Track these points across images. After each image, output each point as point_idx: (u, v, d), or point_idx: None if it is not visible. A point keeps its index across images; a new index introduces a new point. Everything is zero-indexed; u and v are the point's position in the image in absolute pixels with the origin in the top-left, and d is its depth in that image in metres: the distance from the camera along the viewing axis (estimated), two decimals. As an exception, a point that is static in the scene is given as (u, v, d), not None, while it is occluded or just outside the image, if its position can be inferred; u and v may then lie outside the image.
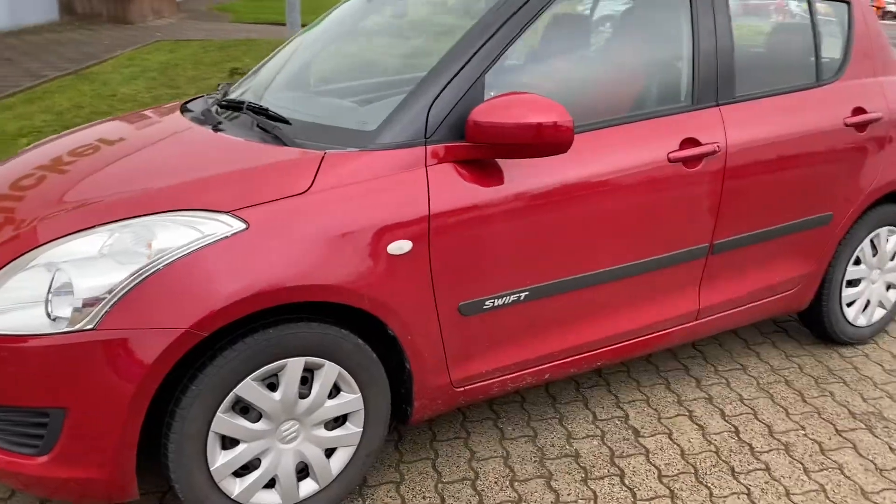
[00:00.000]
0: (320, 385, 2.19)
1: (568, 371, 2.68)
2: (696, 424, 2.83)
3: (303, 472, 2.29)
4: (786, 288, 3.11)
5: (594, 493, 2.45)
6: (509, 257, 2.37)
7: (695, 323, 2.90)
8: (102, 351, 1.90)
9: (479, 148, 2.26)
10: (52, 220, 2.09)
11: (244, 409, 2.12)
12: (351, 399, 2.26)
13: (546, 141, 2.19)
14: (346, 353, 2.19)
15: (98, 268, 1.94)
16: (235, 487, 2.16)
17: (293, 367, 2.12)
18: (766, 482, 2.51)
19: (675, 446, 2.69)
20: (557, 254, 2.46)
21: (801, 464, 2.61)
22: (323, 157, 2.20)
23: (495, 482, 2.50)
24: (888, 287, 3.46)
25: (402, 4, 3.21)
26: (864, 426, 2.84)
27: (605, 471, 2.56)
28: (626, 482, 2.50)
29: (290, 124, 2.41)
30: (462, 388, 2.47)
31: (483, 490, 2.46)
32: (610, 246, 2.56)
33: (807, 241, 3.07)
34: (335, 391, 2.25)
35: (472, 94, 2.31)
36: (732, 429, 2.80)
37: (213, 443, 2.07)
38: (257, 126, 2.44)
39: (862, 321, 3.42)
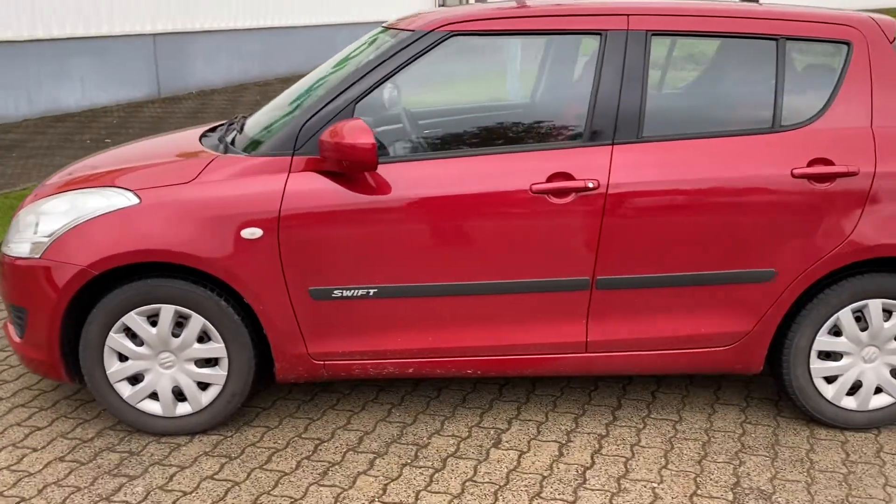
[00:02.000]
0: (187, 330, 2.88)
1: (434, 371, 2.97)
2: (559, 452, 2.88)
3: (183, 395, 3.00)
4: (714, 343, 2.92)
5: (399, 475, 2.75)
6: (355, 257, 2.80)
7: (586, 355, 2.94)
8: (42, 273, 2.86)
9: (325, 161, 2.74)
10: (58, 185, 3.10)
11: (134, 335, 2.91)
12: (216, 347, 2.91)
13: (351, 158, 2.61)
14: (210, 310, 2.86)
15: (55, 218, 2.89)
16: (126, 391, 2.96)
17: (166, 311, 2.86)
18: (553, 512, 2.55)
19: (514, 462, 2.81)
20: (404, 261, 2.80)
21: (611, 509, 2.56)
22: (214, 159, 2.89)
23: (336, 448, 2.93)
24: (894, 371, 2.97)
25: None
26: (730, 499, 2.61)
27: (429, 463, 2.81)
28: (433, 476, 2.74)
29: (240, 134, 3.14)
30: (322, 362, 2.95)
31: (321, 450, 2.91)
32: (460, 262, 2.80)
33: (738, 296, 2.86)
34: (207, 338, 2.92)
35: (342, 118, 2.79)
36: (588, 463, 2.80)
37: (109, 354, 2.90)
38: (208, 132, 3.22)
39: (851, 403, 2.98)
